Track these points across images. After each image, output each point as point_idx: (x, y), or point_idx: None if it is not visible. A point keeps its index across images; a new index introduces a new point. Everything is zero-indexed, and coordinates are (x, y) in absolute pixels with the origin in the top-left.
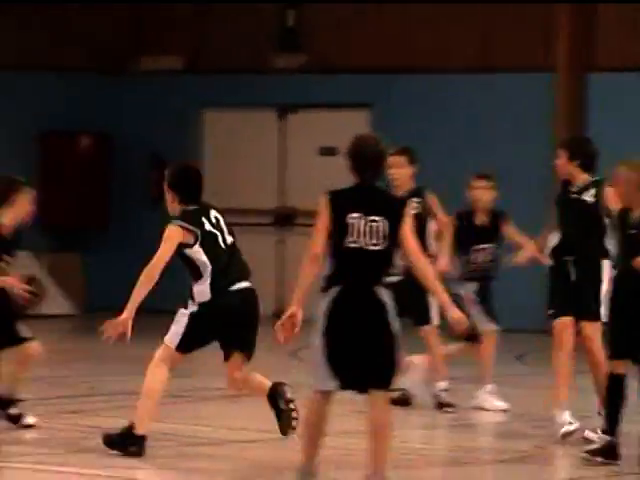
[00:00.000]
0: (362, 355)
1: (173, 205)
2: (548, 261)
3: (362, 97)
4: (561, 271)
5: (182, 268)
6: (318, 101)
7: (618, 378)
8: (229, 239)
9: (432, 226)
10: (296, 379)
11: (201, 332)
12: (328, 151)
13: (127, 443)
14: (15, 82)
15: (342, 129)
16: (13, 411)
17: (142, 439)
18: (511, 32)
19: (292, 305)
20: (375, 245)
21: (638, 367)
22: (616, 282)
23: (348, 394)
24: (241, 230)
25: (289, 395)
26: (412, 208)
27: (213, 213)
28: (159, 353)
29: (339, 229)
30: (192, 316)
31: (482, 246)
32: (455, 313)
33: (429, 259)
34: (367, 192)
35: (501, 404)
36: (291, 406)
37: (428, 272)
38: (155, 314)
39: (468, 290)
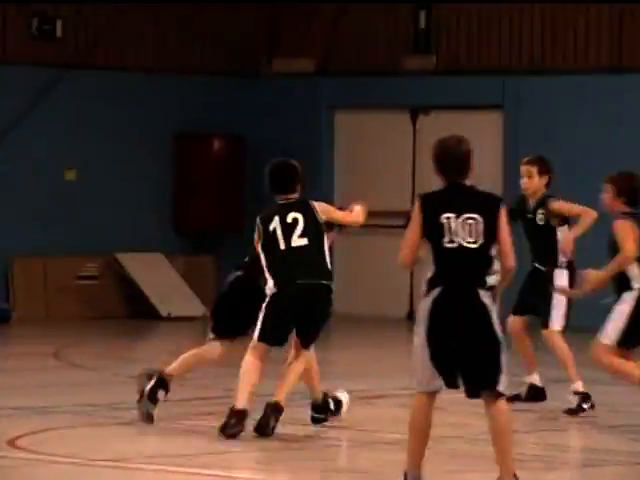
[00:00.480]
0: (467, 357)
1: None
2: None
3: (493, 98)
4: None
5: None
6: (450, 102)
7: None
8: (298, 241)
9: (564, 235)
10: None
11: (274, 318)
12: None
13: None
14: (152, 84)
15: (474, 130)
16: None
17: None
18: None
19: None
20: (472, 243)
21: None
22: None
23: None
24: (373, 232)
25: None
26: (539, 219)
27: (292, 214)
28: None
29: (434, 230)
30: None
31: None
32: None
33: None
34: (458, 191)
35: None
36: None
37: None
38: None
39: None
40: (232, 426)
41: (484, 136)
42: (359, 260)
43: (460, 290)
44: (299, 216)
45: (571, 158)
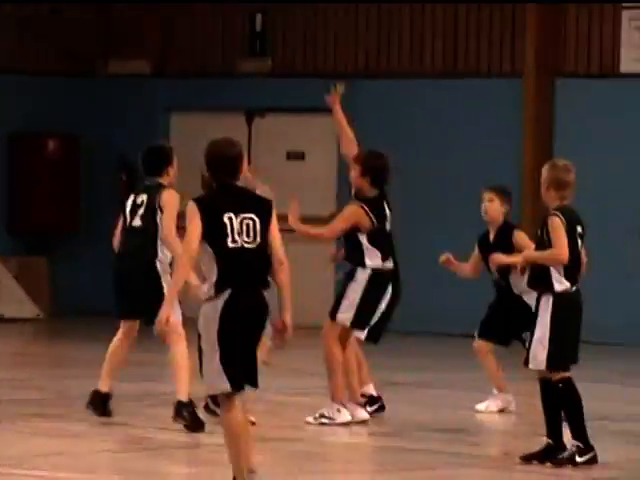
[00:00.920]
0: (252, 357)
1: None
2: None
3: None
4: None
5: None
6: (286, 105)
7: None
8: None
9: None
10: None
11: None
12: (296, 155)
13: None
14: None
15: (310, 134)
16: None
17: None
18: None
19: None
20: (250, 243)
21: None
22: None
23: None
24: None
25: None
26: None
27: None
28: None
29: (217, 231)
30: None
31: None
32: None
33: None
34: (232, 192)
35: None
36: None
37: (283, 280)
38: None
39: None
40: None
41: (320, 139)
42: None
43: (248, 291)
44: (145, 197)
45: (411, 159)
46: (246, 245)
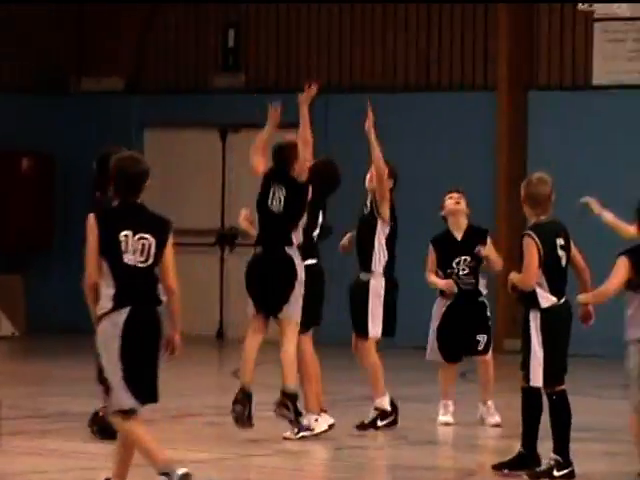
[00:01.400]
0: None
1: None
2: None
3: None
4: None
5: None
6: (260, 121)
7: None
8: None
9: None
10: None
11: None
12: None
13: None
14: None
15: None
16: None
17: None
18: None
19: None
20: (142, 262)
21: None
22: None
23: None
24: (183, 250)
25: None
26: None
27: None
28: None
29: (113, 247)
30: None
31: None
32: None
33: None
34: (133, 210)
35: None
36: None
37: (174, 312)
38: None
39: None
40: None
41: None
42: None
43: (144, 309)
44: None
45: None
46: (139, 265)
